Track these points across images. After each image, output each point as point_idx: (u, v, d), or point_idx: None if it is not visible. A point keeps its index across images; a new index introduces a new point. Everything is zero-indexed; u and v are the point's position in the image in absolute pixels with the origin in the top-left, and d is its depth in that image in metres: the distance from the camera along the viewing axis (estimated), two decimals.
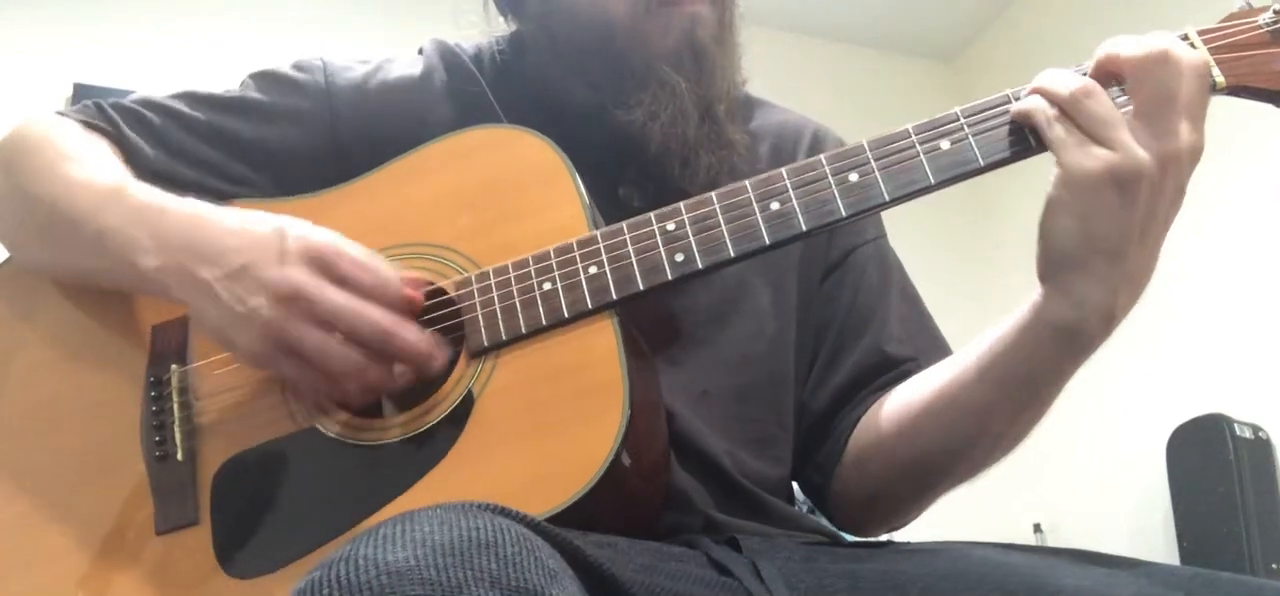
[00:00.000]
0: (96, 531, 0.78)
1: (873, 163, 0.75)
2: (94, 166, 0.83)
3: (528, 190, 0.82)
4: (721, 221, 0.76)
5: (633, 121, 0.88)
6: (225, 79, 0.97)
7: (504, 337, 0.76)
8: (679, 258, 0.76)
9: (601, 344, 0.74)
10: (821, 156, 0.76)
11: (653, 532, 0.74)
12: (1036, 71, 0.74)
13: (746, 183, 0.77)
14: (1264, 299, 3.07)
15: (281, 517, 0.75)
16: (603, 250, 0.77)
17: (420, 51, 1.00)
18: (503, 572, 0.49)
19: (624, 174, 0.90)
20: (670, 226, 0.77)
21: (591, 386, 0.72)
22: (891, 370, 0.93)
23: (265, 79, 0.95)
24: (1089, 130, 0.70)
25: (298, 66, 0.95)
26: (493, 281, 0.78)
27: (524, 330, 0.76)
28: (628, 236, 0.77)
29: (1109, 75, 0.73)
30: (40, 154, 0.85)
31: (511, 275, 0.78)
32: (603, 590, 0.58)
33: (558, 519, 0.65)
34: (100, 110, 0.90)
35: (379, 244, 0.82)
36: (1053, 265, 0.73)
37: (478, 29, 1.01)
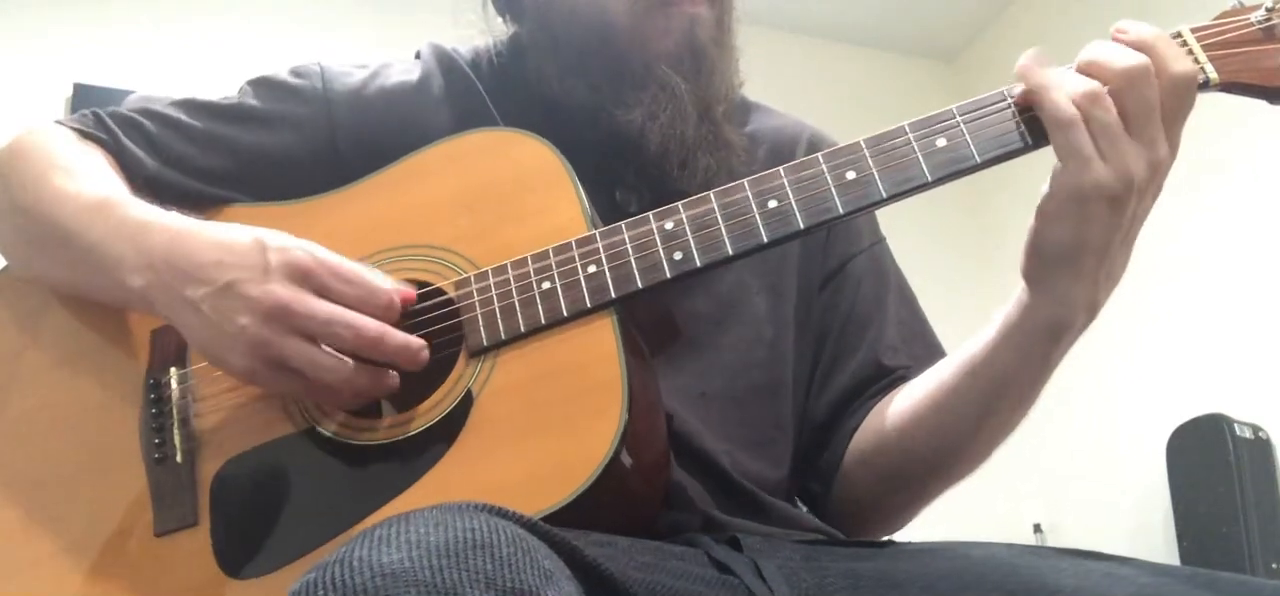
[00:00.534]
0: (96, 533, 0.78)
1: (869, 160, 0.75)
2: (84, 179, 0.83)
3: (527, 192, 0.82)
4: (719, 220, 0.76)
5: (631, 122, 0.88)
6: (225, 79, 0.97)
7: (503, 337, 0.76)
8: (677, 256, 0.76)
9: (600, 343, 0.74)
10: (819, 154, 0.76)
11: (653, 532, 0.74)
12: None
13: (744, 181, 0.77)
14: (1264, 299, 3.07)
15: (280, 518, 0.75)
16: (601, 249, 0.77)
17: (417, 56, 1.00)
18: (498, 573, 0.49)
19: (622, 176, 0.90)
20: (668, 225, 0.77)
21: (591, 385, 0.72)
22: (886, 377, 0.93)
23: (263, 85, 0.95)
24: (1097, 141, 0.70)
25: (295, 72, 0.95)
26: (492, 281, 0.78)
27: (523, 329, 0.76)
28: (626, 235, 0.77)
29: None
30: (34, 165, 0.85)
31: (511, 275, 0.78)
32: (601, 589, 0.58)
33: (557, 517, 0.65)
34: (99, 120, 0.90)
35: (378, 247, 0.82)
36: (1044, 269, 0.75)
37: (476, 30, 1.01)
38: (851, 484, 0.92)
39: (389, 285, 0.75)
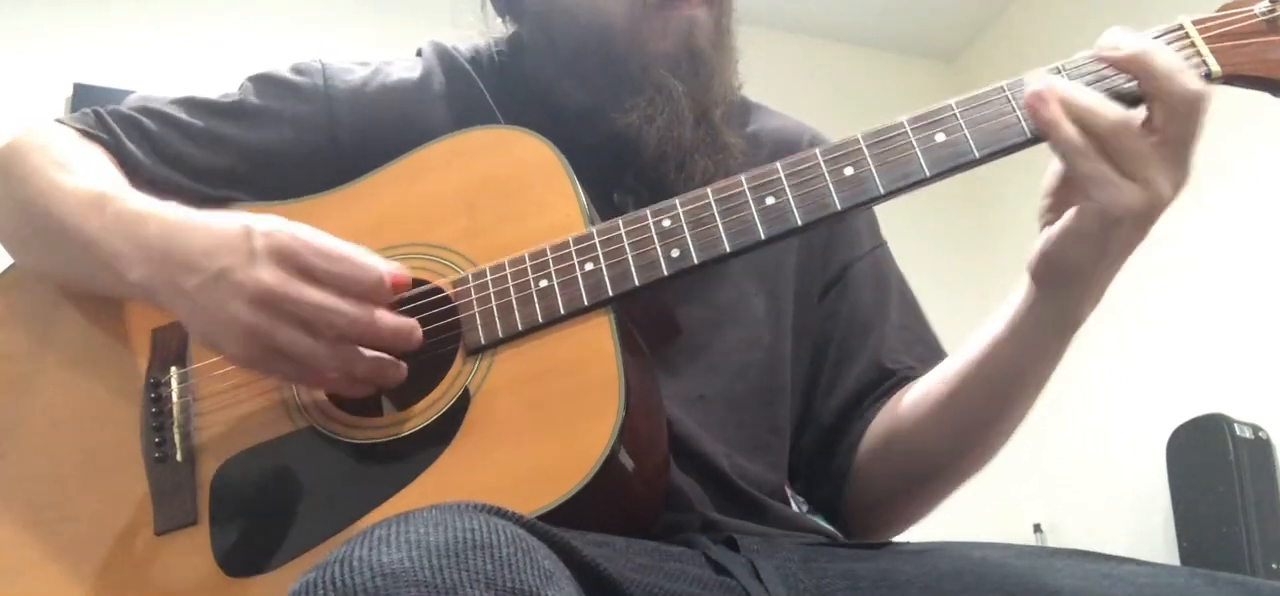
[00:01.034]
0: (97, 532, 0.78)
1: (867, 155, 0.75)
2: (82, 174, 0.83)
3: (526, 190, 0.82)
4: (717, 217, 0.76)
5: (629, 124, 0.88)
6: (225, 79, 0.97)
7: (501, 335, 0.76)
8: (675, 253, 0.76)
9: (598, 341, 0.74)
10: (816, 150, 0.76)
11: (650, 532, 0.74)
12: None
13: (741, 177, 0.77)
14: (1264, 299, 3.07)
15: (279, 517, 0.75)
16: (598, 247, 0.77)
17: (418, 53, 1.00)
18: (498, 573, 0.49)
19: (620, 178, 0.90)
20: (666, 222, 0.77)
21: (588, 383, 0.72)
22: (890, 380, 0.94)
23: (264, 82, 0.94)
24: (1122, 165, 0.69)
25: (296, 69, 0.95)
26: (489, 279, 0.78)
27: (520, 327, 0.76)
28: (624, 233, 0.77)
29: (1118, 70, 0.72)
30: (34, 163, 0.86)
31: (508, 273, 0.78)
32: (599, 589, 0.58)
33: (554, 515, 0.65)
34: (99, 119, 0.90)
35: (378, 244, 0.81)
36: (1060, 278, 0.75)
37: (476, 29, 1.01)
38: (865, 486, 0.92)
39: (381, 264, 0.74)
